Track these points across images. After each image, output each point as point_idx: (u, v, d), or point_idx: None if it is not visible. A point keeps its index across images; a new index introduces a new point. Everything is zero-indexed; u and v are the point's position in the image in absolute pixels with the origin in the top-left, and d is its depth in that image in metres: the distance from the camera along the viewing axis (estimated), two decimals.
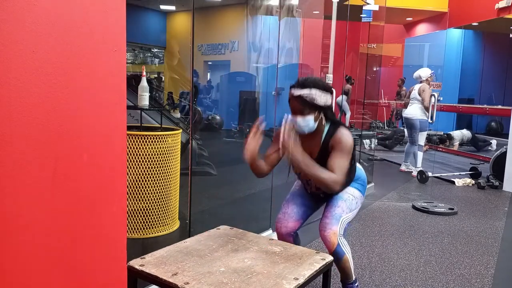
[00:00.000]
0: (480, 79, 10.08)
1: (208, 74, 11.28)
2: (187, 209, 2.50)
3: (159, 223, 2.85)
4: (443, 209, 3.94)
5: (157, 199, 2.80)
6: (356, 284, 2.08)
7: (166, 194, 2.85)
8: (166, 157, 2.82)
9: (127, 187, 2.69)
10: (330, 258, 1.54)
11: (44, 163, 0.97)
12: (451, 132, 7.85)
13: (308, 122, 1.87)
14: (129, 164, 2.71)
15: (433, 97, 5.27)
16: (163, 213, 2.85)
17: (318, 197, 2.11)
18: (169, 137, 2.85)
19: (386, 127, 9.71)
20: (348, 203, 1.99)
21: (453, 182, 5.30)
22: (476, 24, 8.44)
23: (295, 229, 2.05)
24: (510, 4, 6.96)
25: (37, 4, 0.93)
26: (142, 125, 3.03)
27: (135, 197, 2.76)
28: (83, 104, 1.04)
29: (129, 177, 2.72)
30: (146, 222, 2.80)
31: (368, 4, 4.76)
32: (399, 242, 3.09)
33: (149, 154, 2.74)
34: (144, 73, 2.94)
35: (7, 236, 0.92)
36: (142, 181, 2.75)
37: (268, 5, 7.24)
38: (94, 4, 1.04)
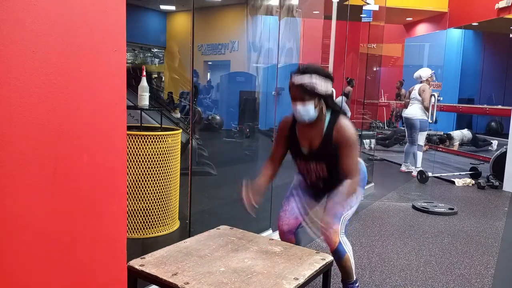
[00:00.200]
0: (480, 79, 10.08)
1: (208, 74, 11.28)
2: (187, 209, 2.50)
3: (159, 223, 2.85)
4: (443, 209, 3.94)
5: (157, 199, 2.80)
6: (357, 285, 2.08)
7: (166, 194, 2.85)
8: (166, 157, 2.82)
9: (127, 187, 2.69)
10: (330, 258, 1.54)
11: (44, 163, 0.97)
12: (451, 132, 7.85)
13: (309, 110, 1.85)
14: (129, 164, 2.71)
15: (433, 97, 5.28)
16: (163, 213, 2.85)
17: (318, 188, 2.10)
18: (169, 137, 2.85)
19: (386, 127, 9.71)
20: (348, 199, 1.99)
21: (453, 182, 5.30)
22: (476, 24, 8.44)
23: (296, 226, 2.05)
24: (510, 4, 6.96)
25: (37, 4, 0.93)
26: (142, 125, 3.03)
27: (135, 197, 2.76)
28: (83, 104, 1.04)
29: (129, 177, 2.72)
30: (146, 222, 2.80)
31: (368, 4, 4.76)
32: (399, 242, 3.09)
33: (149, 154, 2.74)
34: (144, 73, 2.94)
35: (7, 236, 0.92)
36: (142, 181, 2.75)
37: (268, 5, 7.24)
38: (94, 4, 1.04)
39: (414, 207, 4.05)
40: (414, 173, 5.54)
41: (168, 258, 1.46)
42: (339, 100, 5.35)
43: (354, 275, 2.04)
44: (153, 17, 11.40)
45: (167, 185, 2.85)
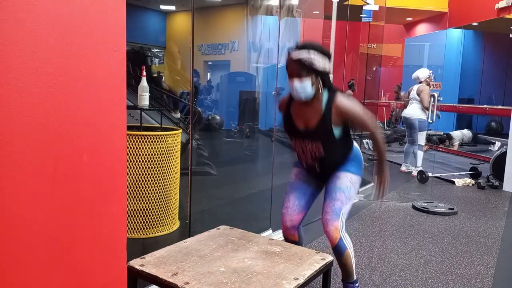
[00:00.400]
0: (480, 79, 10.08)
1: (208, 74, 11.28)
2: (187, 209, 2.50)
3: (159, 223, 2.85)
4: (443, 209, 3.94)
5: (157, 199, 2.80)
6: (357, 285, 2.08)
7: (166, 194, 2.85)
8: (166, 157, 2.82)
9: (127, 187, 2.69)
10: (330, 258, 1.54)
11: (44, 163, 0.97)
12: (451, 132, 7.85)
13: (306, 87, 1.83)
14: (129, 164, 2.71)
15: (432, 97, 5.28)
16: (163, 213, 2.85)
17: (315, 173, 2.08)
18: (169, 137, 2.85)
19: (386, 127, 9.71)
20: (346, 192, 1.99)
21: (453, 182, 5.30)
22: (476, 24, 8.43)
23: (299, 221, 2.08)
24: (510, 4, 6.95)
25: (37, 4, 0.93)
26: (142, 125, 3.03)
27: (135, 197, 2.76)
28: (83, 104, 1.04)
29: (129, 177, 2.72)
30: (146, 222, 2.80)
31: (368, 4, 4.76)
32: (399, 242, 3.09)
33: (149, 154, 2.74)
34: (144, 73, 2.94)
35: (7, 236, 0.92)
36: (142, 181, 2.75)
37: (268, 5, 7.24)
38: (94, 4, 1.04)
39: (414, 207, 4.05)
40: (414, 173, 5.54)
41: (168, 258, 1.46)
42: None
43: (354, 275, 2.04)
44: (153, 17, 11.39)
45: (167, 185, 2.85)
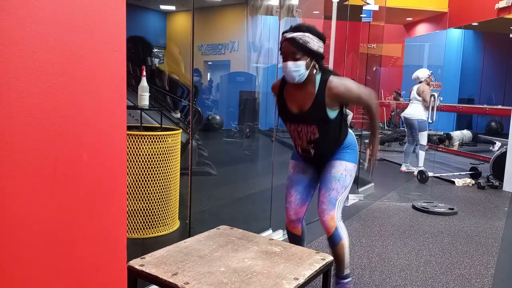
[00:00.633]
0: (480, 79, 10.08)
1: (208, 74, 11.28)
2: (187, 209, 2.50)
3: (159, 223, 2.85)
4: (443, 209, 3.94)
5: (157, 199, 2.81)
6: (349, 280, 2.06)
7: (166, 194, 2.85)
8: (166, 157, 2.82)
9: (127, 187, 2.69)
10: (330, 258, 1.54)
11: (44, 163, 0.97)
12: (451, 133, 7.85)
13: (300, 67, 1.81)
14: (129, 164, 2.71)
15: (432, 97, 5.28)
16: (163, 213, 2.86)
17: (311, 160, 2.07)
18: (169, 137, 2.85)
19: (386, 127, 9.71)
20: (342, 181, 1.98)
21: (453, 182, 5.30)
22: (476, 24, 8.43)
23: (303, 213, 2.11)
24: (510, 4, 6.96)
25: (37, 4, 0.93)
26: (142, 125, 3.03)
27: (135, 197, 2.76)
28: (83, 104, 1.04)
29: (129, 177, 2.72)
30: (146, 222, 2.80)
31: (368, 4, 4.76)
32: (399, 242, 3.09)
33: (149, 154, 2.74)
34: (144, 73, 2.94)
35: (7, 236, 0.92)
36: (142, 181, 2.75)
37: (268, 5, 7.24)
38: (94, 4, 1.04)
39: (414, 207, 4.05)
40: (415, 173, 5.54)
41: (168, 258, 1.46)
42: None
43: (347, 268, 2.02)
44: (153, 17, 11.39)
45: (167, 185, 2.85)
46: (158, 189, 2.80)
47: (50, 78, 0.97)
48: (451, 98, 8.76)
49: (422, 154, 5.56)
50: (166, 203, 2.87)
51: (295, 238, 2.12)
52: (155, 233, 2.84)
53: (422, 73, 5.59)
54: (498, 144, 7.47)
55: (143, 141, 2.73)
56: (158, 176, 2.79)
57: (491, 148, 7.49)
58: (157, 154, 2.77)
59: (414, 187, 5.07)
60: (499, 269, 2.67)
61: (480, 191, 4.94)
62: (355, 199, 4.22)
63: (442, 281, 2.46)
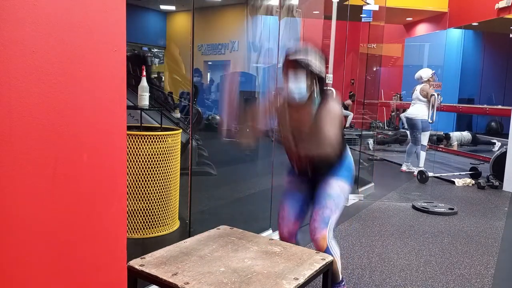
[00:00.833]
0: (480, 79, 10.08)
1: (208, 74, 11.28)
2: (187, 209, 2.50)
3: (159, 223, 2.85)
4: (443, 209, 3.94)
5: (157, 199, 2.80)
6: (343, 283, 2.10)
7: (166, 194, 2.85)
8: (166, 157, 2.82)
9: (127, 187, 2.69)
10: (330, 258, 1.54)
11: (44, 163, 0.97)
12: (450, 133, 7.86)
13: (301, 88, 1.82)
14: (129, 164, 2.71)
15: (433, 97, 5.28)
16: (163, 213, 2.85)
17: (307, 179, 2.07)
18: (169, 137, 2.85)
19: (386, 127, 9.71)
20: (336, 200, 1.97)
21: (453, 182, 5.30)
22: (476, 24, 8.44)
23: (296, 229, 2.06)
24: (510, 4, 6.96)
25: (37, 4, 0.93)
26: (142, 125, 3.03)
27: (135, 197, 2.76)
28: (83, 104, 1.04)
29: (129, 177, 2.72)
30: (146, 222, 2.80)
31: (368, 4, 4.76)
32: (399, 242, 3.09)
33: (149, 154, 2.74)
34: (144, 73, 2.94)
35: (7, 236, 0.92)
36: (142, 181, 2.75)
37: (268, 5, 7.23)
38: (94, 4, 1.04)
39: (414, 207, 4.05)
40: (415, 173, 5.54)
41: (168, 258, 1.46)
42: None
43: (340, 276, 2.07)
44: (153, 17, 11.40)
45: (167, 185, 2.85)
46: (158, 189, 2.80)
47: (50, 78, 0.97)
48: (451, 98, 8.76)
49: (423, 154, 5.57)
50: (166, 203, 2.87)
51: None
52: (155, 233, 2.84)
53: (425, 72, 5.58)
54: (498, 144, 7.48)
55: (143, 141, 2.73)
56: (158, 176, 2.79)
57: (491, 148, 7.50)
58: (157, 154, 2.77)
59: (414, 187, 5.07)
60: (499, 269, 2.67)
61: (480, 191, 4.94)
62: (355, 199, 4.23)
63: (442, 281, 2.46)
